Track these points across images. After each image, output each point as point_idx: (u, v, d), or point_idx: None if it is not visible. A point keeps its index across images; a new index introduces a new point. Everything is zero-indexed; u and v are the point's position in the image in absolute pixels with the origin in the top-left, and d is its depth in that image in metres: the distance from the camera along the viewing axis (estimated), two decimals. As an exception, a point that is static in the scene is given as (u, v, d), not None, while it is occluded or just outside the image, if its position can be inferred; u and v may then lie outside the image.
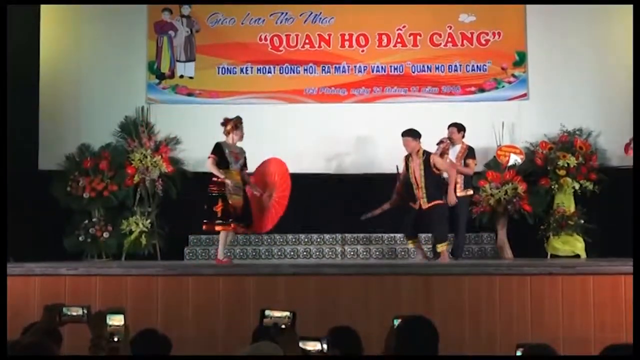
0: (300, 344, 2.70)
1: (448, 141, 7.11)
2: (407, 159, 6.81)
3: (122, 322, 2.74)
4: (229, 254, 6.74)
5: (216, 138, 7.71)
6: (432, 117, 7.91)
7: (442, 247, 6.62)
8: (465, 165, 7.16)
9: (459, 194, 6.98)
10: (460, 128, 7.21)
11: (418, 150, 6.73)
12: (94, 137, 7.94)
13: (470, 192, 7.19)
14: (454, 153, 7.13)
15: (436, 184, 6.74)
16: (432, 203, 6.63)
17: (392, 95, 8.24)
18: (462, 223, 7.10)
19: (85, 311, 2.85)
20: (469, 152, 7.20)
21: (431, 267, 6.00)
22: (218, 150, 6.59)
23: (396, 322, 2.99)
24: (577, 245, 7.44)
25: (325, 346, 2.68)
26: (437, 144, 7.04)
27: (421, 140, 6.79)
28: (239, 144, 6.71)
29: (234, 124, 6.63)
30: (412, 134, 6.76)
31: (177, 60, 8.36)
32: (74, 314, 2.84)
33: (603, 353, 2.62)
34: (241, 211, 6.48)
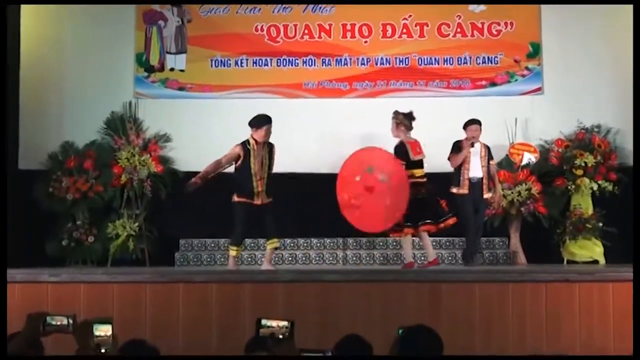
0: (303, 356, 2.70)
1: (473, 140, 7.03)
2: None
3: (109, 332, 2.75)
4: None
5: (208, 135, 7.77)
6: (439, 112, 7.93)
7: None
8: (489, 165, 7.13)
9: (485, 195, 7.04)
10: (481, 124, 7.13)
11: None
12: (78, 134, 7.95)
13: (491, 194, 7.16)
14: (476, 151, 7.03)
15: None
16: None
17: (397, 89, 8.25)
18: (481, 225, 7.15)
19: (71, 321, 2.86)
20: (489, 152, 7.15)
21: (439, 274, 6.00)
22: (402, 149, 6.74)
23: (401, 333, 3.00)
24: (595, 250, 7.46)
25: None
26: (470, 144, 6.96)
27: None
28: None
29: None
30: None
31: (167, 52, 8.37)
32: (59, 323, 2.85)
33: None
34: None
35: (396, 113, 6.86)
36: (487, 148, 7.15)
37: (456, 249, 7.58)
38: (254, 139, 6.56)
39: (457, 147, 7.01)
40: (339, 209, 7.75)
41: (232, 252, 6.56)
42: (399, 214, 6.48)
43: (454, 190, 7.01)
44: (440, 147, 7.68)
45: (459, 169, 7.01)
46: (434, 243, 7.22)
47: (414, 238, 6.96)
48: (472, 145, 6.96)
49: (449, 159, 7.06)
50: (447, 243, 7.70)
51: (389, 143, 7.88)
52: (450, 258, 7.53)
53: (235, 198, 6.46)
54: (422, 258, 7.16)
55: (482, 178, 6.99)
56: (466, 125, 7.08)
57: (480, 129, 7.07)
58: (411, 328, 2.90)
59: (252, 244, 7.83)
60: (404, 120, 6.83)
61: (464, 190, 6.95)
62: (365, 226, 6.77)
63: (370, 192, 6.54)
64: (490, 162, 7.11)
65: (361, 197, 6.52)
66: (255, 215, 6.52)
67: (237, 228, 6.50)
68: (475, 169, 7.00)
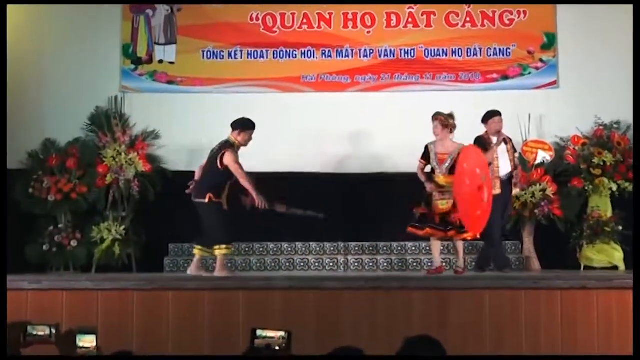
0: None
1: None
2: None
3: (93, 343, 2.76)
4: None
5: (200, 132, 7.76)
6: (448, 107, 7.91)
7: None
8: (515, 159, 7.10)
9: (514, 193, 7.00)
10: (501, 115, 7.05)
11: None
12: (60, 131, 7.95)
13: (518, 190, 7.12)
14: (503, 147, 6.94)
15: None
16: None
17: (402, 83, 8.26)
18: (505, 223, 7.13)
19: (54, 330, 2.88)
20: (513, 147, 7.09)
21: (447, 281, 6.01)
22: (426, 153, 6.75)
23: (403, 344, 3.00)
24: (614, 255, 7.46)
25: None
26: (502, 139, 6.88)
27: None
28: (446, 145, 6.70)
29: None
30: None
31: (156, 43, 8.38)
32: (41, 333, 2.87)
33: None
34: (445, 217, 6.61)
35: (440, 114, 6.76)
36: (511, 140, 7.07)
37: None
38: (238, 142, 6.59)
39: (481, 143, 6.87)
40: (339, 212, 7.78)
41: (224, 251, 6.54)
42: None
43: None
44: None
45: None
46: (470, 247, 7.31)
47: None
48: (505, 141, 6.86)
49: None
50: (470, 247, 7.71)
51: (392, 139, 7.92)
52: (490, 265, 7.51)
53: (214, 199, 6.45)
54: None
55: (511, 175, 6.92)
56: (487, 118, 6.98)
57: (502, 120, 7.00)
58: (414, 339, 2.90)
59: (247, 249, 7.85)
60: (453, 121, 6.76)
61: (496, 191, 6.80)
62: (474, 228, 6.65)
63: (478, 194, 6.52)
64: (515, 155, 7.02)
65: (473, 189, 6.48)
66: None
67: (222, 226, 6.48)
68: (505, 166, 6.92)
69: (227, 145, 6.53)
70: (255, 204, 6.50)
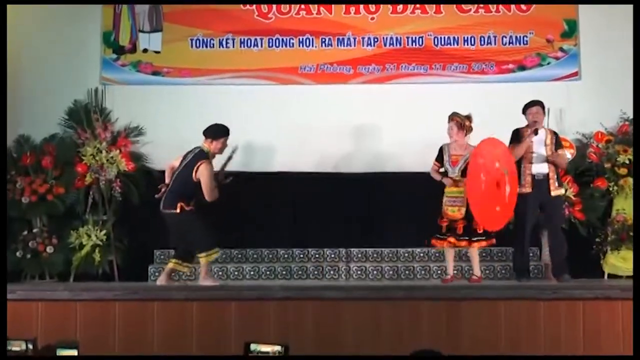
0: None
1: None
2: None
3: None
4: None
5: (188, 127, 7.75)
6: (459, 101, 7.90)
7: None
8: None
9: (553, 193, 6.89)
10: (544, 107, 7.01)
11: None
12: (35, 126, 7.95)
13: (563, 191, 7.07)
14: (540, 139, 6.88)
15: None
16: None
17: (410, 74, 8.27)
18: (559, 229, 7.00)
19: (31, 346, 2.88)
20: (557, 139, 7.02)
21: (458, 291, 6.02)
22: (440, 154, 6.84)
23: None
24: (641, 262, 7.46)
25: None
26: (533, 131, 6.82)
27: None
28: (461, 147, 6.80)
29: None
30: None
31: (140, 31, 8.38)
32: (17, 349, 2.87)
33: None
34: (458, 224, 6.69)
35: (457, 115, 6.81)
36: (555, 135, 7.01)
37: (510, 261, 7.61)
38: (212, 151, 6.64)
39: (517, 136, 6.87)
40: (340, 215, 7.79)
41: (213, 256, 6.57)
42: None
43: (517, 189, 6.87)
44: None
45: (519, 163, 6.85)
46: (483, 254, 7.34)
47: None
48: (536, 132, 6.80)
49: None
50: (499, 254, 7.72)
51: (398, 136, 7.92)
52: (504, 272, 7.55)
53: (186, 207, 6.48)
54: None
55: (548, 173, 6.83)
56: (526, 108, 6.97)
57: (544, 112, 6.95)
58: (416, 353, 2.92)
59: (240, 255, 7.86)
60: (469, 123, 6.82)
61: (527, 189, 6.78)
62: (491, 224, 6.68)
63: (496, 189, 6.56)
64: (559, 152, 6.94)
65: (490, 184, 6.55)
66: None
67: (202, 232, 6.51)
68: (539, 162, 6.85)
69: (202, 156, 6.56)
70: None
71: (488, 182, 6.46)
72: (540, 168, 6.84)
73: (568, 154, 7.59)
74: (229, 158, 6.73)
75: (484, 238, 6.74)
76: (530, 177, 6.81)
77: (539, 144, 6.86)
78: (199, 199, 6.53)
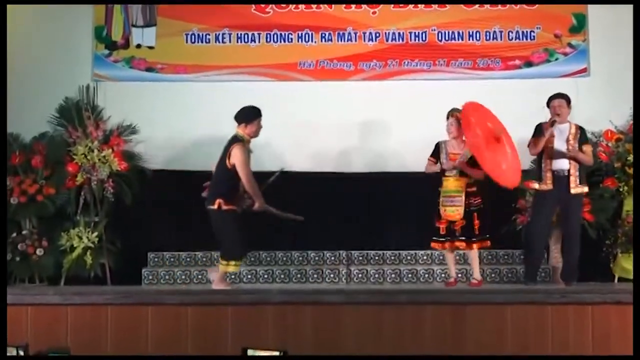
0: None
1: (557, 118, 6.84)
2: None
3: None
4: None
5: (183, 125, 7.75)
6: (463, 98, 7.90)
7: None
8: (581, 152, 6.93)
9: (573, 190, 6.87)
10: (569, 100, 6.99)
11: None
12: (24, 125, 7.94)
13: (585, 189, 7.02)
14: (563, 134, 6.87)
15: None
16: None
17: (413, 70, 8.27)
18: (576, 231, 6.98)
19: (22, 352, 2.88)
20: (582, 135, 6.98)
21: (463, 295, 6.02)
22: (436, 150, 6.91)
23: None
24: (652, 265, 7.46)
25: None
26: (551, 123, 6.82)
27: None
28: (460, 144, 6.85)
29: None
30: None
31: (133, 25, 8.38)
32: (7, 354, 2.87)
33: None
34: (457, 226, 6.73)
35: (457, 110, 6.83)
36: (580, 130, 6.96)
37: (516, 264, 7.61)
38: (247, 135, 6.58)
39: (538, 130, 6.86)
40: (341, 216, 7.79)
41: (230, 268, 6.56)
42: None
43: (535, 185, 6.90)
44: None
45: (540, 158, 6.86)
46: (489, 257, 7.39)
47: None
48: (552, 124, 6.77)
49: (528, 145, 6.95)
50: (505, 256, 7.73)
51: (400, 134, 7.93)
52: (510, 275, 7.56)
53: (224, 206, 6.44)
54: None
55: (569, 169, 6.81)
56: (549, 102, 6.97)
57: (568, 105, 6.92)
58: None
59: (236, 258, 7.85)
60: None
61: (547, 186, 6.77)
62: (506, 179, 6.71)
63: (497, 146, 6.66)
64: (583, 148, 6.89)
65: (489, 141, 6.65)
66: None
67: (230, 238, 6.48)
68: (561, 158, 6.82)
69: (235, 140, 6.52)
70: (255, 209, 6.50)
71: (486, 137, 6.54)
72: (560, 164, 6.82)
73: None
74: (274, 178, 6.82)
75: (484, 238, 6.76)
76: (550, 173, 6.80)
77: (560, 139, 6.83)
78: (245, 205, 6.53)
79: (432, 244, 6.87)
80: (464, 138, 6.82)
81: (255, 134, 6.64)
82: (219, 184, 6.52)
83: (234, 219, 6.48)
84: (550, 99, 6.96)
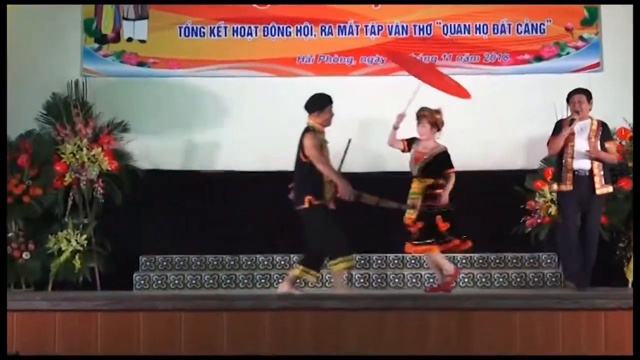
0: None
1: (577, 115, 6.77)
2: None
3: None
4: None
5: (176, 122, 7.76)
6: (470, 94, 7.93)
7: None
8: (604, 149, 6.87)
9: (599, 191, 6.80)
10: (589, 96, 6.91)
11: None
12: (10, 122, 7.85)
13: (610, 189, 6.95)
14: (583, 131, 6.79)
15: None
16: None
17: (417, 65, 8.26)
18: (595, 234, 6.92)
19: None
20: (605, 131, 6.91)
21: (470, 300, 6.01)
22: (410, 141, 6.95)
23: None
24: (668, 269, 7.45)
25: None
26: (570, 120, 6.75)
27: None
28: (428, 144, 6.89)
29: None
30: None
31: (124, 18, 8.38)
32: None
33: None
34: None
35: (425, 109, 6.83)
36: (602, 126, 6.87)
37: (525, 268, 7.60)
38: (318, 125, 6.54)
39: (558, 128, 6.81)
40: (343, 216, 7.77)
41: (342, 265, 6.43)
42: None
43: (554, 186, 6.88)
44: (471, 139, 7.71)
45: (560, 158, 6.79)
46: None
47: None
48: (571, 123, 6.71)
49: (547, 144, 6.89)
50: (514, 260, 7.72)
51: (404, 132, 7.90)
52: (519, 279, 7.57)
53: (314, 201, 6.37)
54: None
55: (591, 169, 6.75)
56: (569, 97, 6.91)
57: (589, 102, 6.85)
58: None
59: (232, 262, 7.85)
60: (439, 119, 6.84)
61: (567, 187, 6.72)
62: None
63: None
64: (606, 145, 6.82)
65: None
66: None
67: (330, 234, 6.38)
68: (581, 157, 6.75)
69: (306, 131, 6.48)
70: (340, 195, 6.40)
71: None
72: (582, 163, 6.74)
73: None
74: (345, 152, 6.78)
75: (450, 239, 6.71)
76: (570, 174, 6.74)
77: (581, 137, 6.76)
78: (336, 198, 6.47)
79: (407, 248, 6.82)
80: (435, 138, 6.83)
81: (327, 122, 6.59)
82: (303, 181, 6.47)
83: (328, 213, 6.42)
84: (570, 94, 6.88)
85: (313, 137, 6.41)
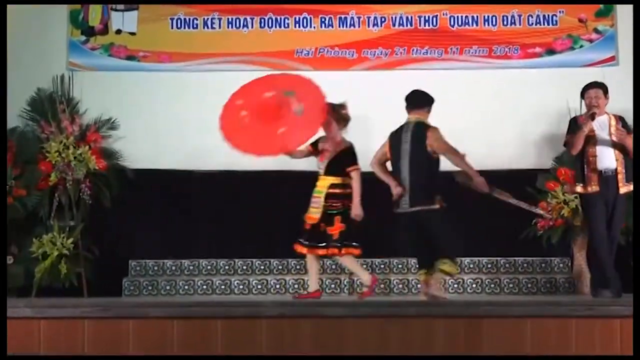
0: None
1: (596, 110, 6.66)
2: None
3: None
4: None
5: (168, 119, 7.78)
6: (478, 90, 7.96)
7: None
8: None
9: (622, 190, 6.67)
10: (606, 90, 6.82)
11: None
12: (-8, 119, 7.96)
13: (631, 187, 6.74)
14: (603, 128, 6.67)
15: None
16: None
17: (422, 58, 8.29)
18: (617, 237, 6.82)
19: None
20: (624, 125, 6.78)
21: (478, 307, 6.02)
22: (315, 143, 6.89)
23: None
24: (688, 274, 7.45)
25: None
26: (590, 115, 6.64)
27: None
28: (335, 141, 6.85)
29: None
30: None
31: (113, 9, 8.40)
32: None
33: None
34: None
35: (330, 104, 6.80)
36: (621, 120, 6.77)
37: (537, 273, 7.60)
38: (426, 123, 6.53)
39: (574, 125, 6.71)
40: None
41: (455, 268, 6.44)
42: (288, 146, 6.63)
43: (578, 189, 6.70)
44: (479, 138, 7.72)
45: (581, 157, 6.66)
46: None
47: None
48: (592, 117, 6.59)
49: (565, 143, 6.80)
50: (525, 264, 7.73)
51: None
52: (530, 285, 7.60)
53: (442, 202, 6.34)
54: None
55: (616, 168, 6.61)
56: (584, 92, 6.81)
57: (605, 95, 6.77)
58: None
59: (227, 267, 7.86)
60: (344, 114, 6.87)
61: (593, 188, 6.58)
62: (245, 145, 6.62)
63: (275, 114, 6.52)
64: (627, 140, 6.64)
65: (260, 115, 6.56)
66: None
67: (452, 235, 6.41)
68: (606, 156, 6.62)
69: (426, 126, 6.45)
70: (477, 187, 6.37)
71: (253, 113, 6.53)
72: (607, 162, 6.62)
73: None
74: (532, 209, 6.78)
75: (349, 245, 6.68)
76: (596, 174, 6.60)
77: (602, 132, 6.65)
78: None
79: (295, 247, 6.77)
80: (341, 134, 6.85)
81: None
82: (429, 178, 6.37)
83: (401, 220, 6.48)
84: (585, 89, 6.79)
85: (439, 131, 6.39)
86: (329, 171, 6.74)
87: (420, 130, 6.41)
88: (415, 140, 6.40)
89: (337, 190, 6.70)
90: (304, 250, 6.73)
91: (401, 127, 6.55)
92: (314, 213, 6.70)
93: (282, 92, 6.53)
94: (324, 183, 6.73)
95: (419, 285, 7.57)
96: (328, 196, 6.69)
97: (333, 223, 6.64)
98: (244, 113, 6.57)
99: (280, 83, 6.70)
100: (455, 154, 6.29)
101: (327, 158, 6.77)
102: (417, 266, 6.63)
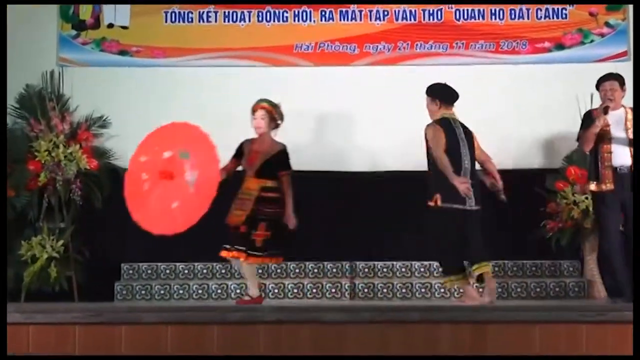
0: None
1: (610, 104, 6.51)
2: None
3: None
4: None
5: (161, 117, 7.73)
6: (485, 86, 7.96)
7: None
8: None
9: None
10: (622, 82, 6.69)
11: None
12: (-21, 116, 7.96)
13: None
14: (619, 122, 6.52)
15: None
16: None
17: (426, 53, 8.30)
18: (632, 238, 6.55)
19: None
20: None
21: (484, 312, 6.02)
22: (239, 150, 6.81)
23: None
24: None
25: None
26: (603, 109, 6.50)
27: None
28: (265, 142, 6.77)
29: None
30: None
31: (104, 2, 8.38)
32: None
33: None
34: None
35: (265, 102, 6.80)
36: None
37: (545, 277, 7.61)
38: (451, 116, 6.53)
39: (588, 119, 6.59)
40: (345, 219, 7.78)
41: (486, 269, 6.40)
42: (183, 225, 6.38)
43: (592, 186, 6.58)
44: (485, 135, 7.68)
45: (595, 153, 6.55)
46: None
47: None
48: (605, 111, 6.45)
49: (578, 139, 6.70)
50: (533, 268, 7.74)
51: (412, 129, 7.91)
52: (538, 289, 7.59)
53: (439, 202, 6.35)
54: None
55: (632, 165, 6.44)
56: (599, 84, 6.70)
57: (622, 89, 6.65)
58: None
59: (223, 271, 7.86)
60: (280, 112, 6.82)
61: (608, 186, 6.45)
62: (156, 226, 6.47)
63: (170, 182, 6.30)
64: None
65: (157, 182, 6.35)
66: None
67: (483, 237, 6.40)
68: (621, 152, 6.48)
69: (438, 120, 6.49)
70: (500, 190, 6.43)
71: (153, 179, 6.31)
72: (622, 159, 6.49)
73: None
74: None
75: (272, 254, 6.60)
76: (610, 171, 6.48)
77: (617, 127, 6.52)
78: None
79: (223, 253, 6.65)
80: (273, 134, 6.76)
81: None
82: (435, 176, 6.41)
83: (454, 218, 6.36)
84: (600, 81, 6.68)
85: (433, 128, 6.45)
86: (261, 174, 6.60)
87: (467, 130, 6.49)
88: (468, 138, 6.46)
89: (270, 194, 6.57)
90: (228, 254, 6.59)
91: (446, 120, 6.47)
92: (239, 215, 6.56)
93: (178, 153, 6.32)
94: (254, 186, 6.59)
95: (422, 289, 7.58)
96: (260, 200, 6.57)
97: (257, 228, 6.51)
98: (145, 176, 6.38)
99: (180, 138, 6.45)
100: (434, 153, 6.35)
101: (259, 160, 6.64)
102: (456, 269, 6.51)
